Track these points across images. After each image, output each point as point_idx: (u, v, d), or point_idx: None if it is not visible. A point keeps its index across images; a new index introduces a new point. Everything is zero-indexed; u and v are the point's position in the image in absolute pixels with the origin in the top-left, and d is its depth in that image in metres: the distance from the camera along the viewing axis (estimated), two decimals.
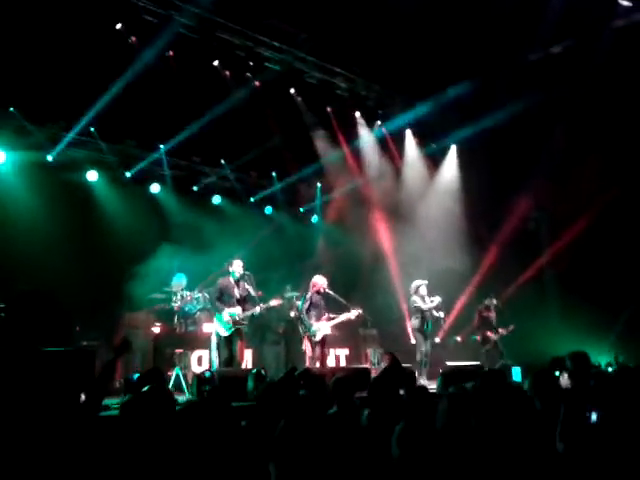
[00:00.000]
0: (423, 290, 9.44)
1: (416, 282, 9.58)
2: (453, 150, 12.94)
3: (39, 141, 9.51)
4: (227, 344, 7.82)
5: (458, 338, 11.21)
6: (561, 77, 10.19)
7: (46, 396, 4.26)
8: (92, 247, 9.75)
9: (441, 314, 9.50)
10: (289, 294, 10.66)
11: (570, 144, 10.79)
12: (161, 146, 10.72)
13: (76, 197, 9.85)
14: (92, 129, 9.85)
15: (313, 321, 8.38)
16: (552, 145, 10.94)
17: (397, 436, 2.57)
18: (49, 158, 9.65)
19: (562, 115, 10.72)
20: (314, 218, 13.44)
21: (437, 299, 9.43)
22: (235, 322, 7.81)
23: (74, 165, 10.04)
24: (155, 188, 11.04)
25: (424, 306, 9.31)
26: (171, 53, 9.73)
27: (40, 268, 8.51)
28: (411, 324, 9.61)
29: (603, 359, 9.10)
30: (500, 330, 10.44)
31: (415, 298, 9.44)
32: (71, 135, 9.68)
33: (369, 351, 10.34)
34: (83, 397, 3.95)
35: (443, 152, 12.99)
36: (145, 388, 3.00)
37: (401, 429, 2.58)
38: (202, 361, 9.10)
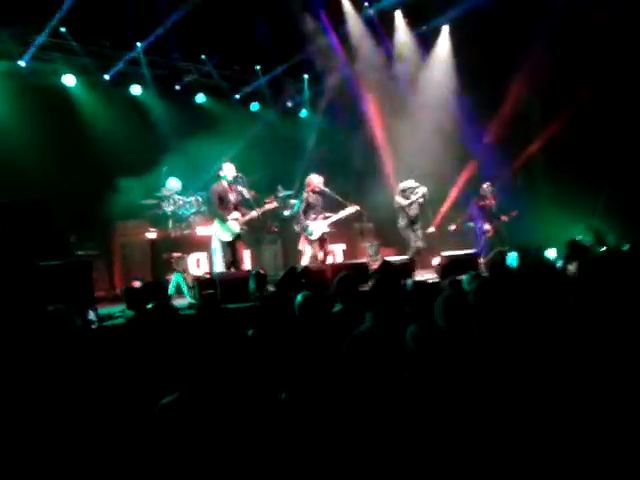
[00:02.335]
0: (410, 191, 9.47)
1: (402, 184, 9.61)
2: (445, 31, 12.32)
3: (8, 47, 8.97)
4: (228, 248, 7.81)
5: (453, 227, 11.24)
6: None
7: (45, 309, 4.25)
8: (77, 155, 9.49)
9: (420, 200, 9.55)
10: (282, 193, 10.55)
11: (566, 23, 10.30)
12: (138, 44, 10.14)
13: (55, 103, 9.45)
14: (63, 29, 9.25)
15: (310, 221, 8.34)
16: (547, 24, 10.44)
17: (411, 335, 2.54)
18: (22, 64, 9.14)
19: None
20: (303, 112, 13.02)
21: (421, 190, 9.47)
22: (237, 227, 7.77)
23: (49, 70, 9.55)
24: (136, 90, 10.58)
25: (405, 202, 9.39)
26: None
27: (28, 180, 8.32)
28: (398, 224, 9.64)
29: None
30: (502, 217, 10.40)
31: (397, 198, 9.50)
32: (42, 38, 9.11)
33: (366, 245, 10.39)
34: (91, 313, 3.97)
35: (435, 34, 12.36)
36: (149, 305, 2.98)
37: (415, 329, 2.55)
38: (200, 263, 9.15)
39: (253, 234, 9.70)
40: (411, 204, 9.47)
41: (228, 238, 7.77)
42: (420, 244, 9.44)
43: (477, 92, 11.45)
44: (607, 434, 2.28)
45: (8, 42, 8.92)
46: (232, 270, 7.66)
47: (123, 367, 2.76)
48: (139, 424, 2.24)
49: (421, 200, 9.52)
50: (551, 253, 8.24)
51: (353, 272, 5.35)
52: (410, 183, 9.61)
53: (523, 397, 2.47)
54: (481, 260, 8.61)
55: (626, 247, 6.28)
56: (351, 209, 8.56)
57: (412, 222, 9.50)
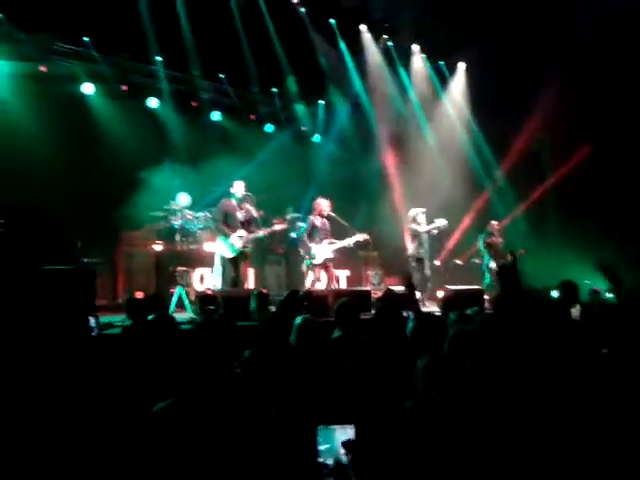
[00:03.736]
0: (421, 218, 9.36)
1: (413, 211, 9.51)
2: (461, 67, 12.46)
3: (31, 51, 9.13)
4: (232, 266, 7.77)
5: (458, 261, 11.22)
6: None
7: (47, 316, 4.25)
8: (90, 163, 9.58)
9: (435, 231, 9.47)
10: (291, 215, 10.57)
11: (582, 64, 10.41)
12: (158, 58, 10.30)
13: (72, 111, 9.55)
14: (86, 39, 9.43)
15: (314, 244, 8.32)
16: (562, 63, 10.54)
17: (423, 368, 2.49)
18: (42, 69, 9.29)
19: (575, 35, 10.27)
20: (316, 137, 13.12)
21: (441, 221, 9.38)
22: (240, 245, 7.75)
23: (68, 77, 9.69)
24: (153, 102, 10.70)
25: (420, 229, 9.28)
26: None
27: (37, 184, 8.40)
28: (408, 250, 9.57)
29: (603, 284, 9.12)
30: (509, 256, 10.32)
31: (412, 226, 9.39)
32: (64, 45, 9.30)
33: (370, 273, 10.36)
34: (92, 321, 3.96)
35: (451, 70, 12.50)
36: (149, 317, 2.97)
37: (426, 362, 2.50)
38: (204, 279, 9.15)
39: (258, 254, 9.70)
40: (427, 232, 9.37)
41: (230, 255, 7.74)
42: (427, 273, 9.35)
43: (490, 128, 11.54)
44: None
45: (32, 46, 9.08)
46: (234, 288, 7.63)
47: (119, 375, 2.75)
48: (129, 431, 2.23)
49: (436, 231, 9.46)
50: (556, 294, 8.19)
51: (355, 299, 5.32)
52: (419, 210, 9.53)
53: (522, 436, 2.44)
54: (486, 296, 8.55)
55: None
56: (359, 237, 8.50)
57: (422, 251, 9.38)
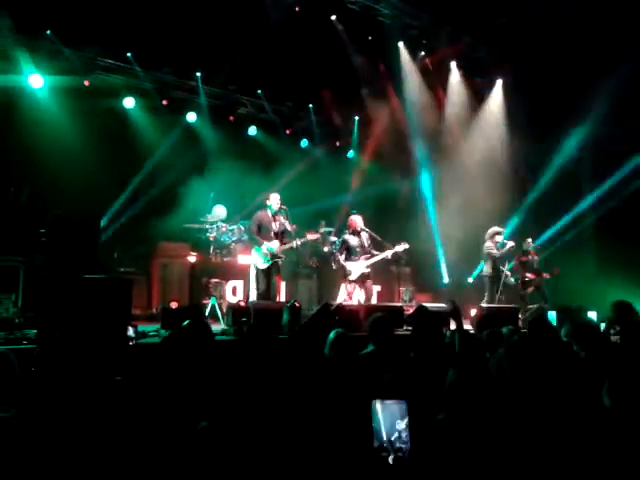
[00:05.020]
0: (499, 238, 9.28)
1: (492, 229, 9.41)
2: (499, 85, 12.38)
3: (75, 66, 9.43)
4: (264, 277, 7.80)
5: None
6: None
7: (87, 322, 4.34)
8: (128, 175, 9.80)
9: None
10: (324, 229, 10.60)
11: (622, 83, 10.23)
12: (198, 74, 10.52)
13: (113, 123, 9.80)
14: (129, 55, 9.70)
15: (349, 262, 8.26)
16: (602, 82, 10.38)
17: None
18: (86, 83, 9.57)
19: (615, 54, 10.12)
20: (350, 153, 13.18)
21: (510, 243, 9.29)
22: (273, 256, 7.77)
23: (111, 91, 9.97)
24: (191, 117, 10.92)
25: (494, 252, 9.18)
26: None
27: (77, 194, 8.59)
28: (484, 272, 9.43)
29: None
30: (544, 274, 10.15)
31: (489, 244, 9.28)
32: (108, 60, 9.58)
33: (402, 289, 10.29)
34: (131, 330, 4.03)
35: (488, 87, 12.42)
36: (185, 323, 3.00)
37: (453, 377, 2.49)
38: (237, 291, 9.22)
39: (290, 267, 9.74)
40: (501, 256, 9.28)
41: (263, 266, 7.76)
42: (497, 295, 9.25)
43: (527, 145, 11.42)
44: None
45: (76, 61, 9.37)
46: (266, 300, 7.65)
47: (157, 384, 2.79)
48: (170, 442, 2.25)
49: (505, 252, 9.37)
50: (592, 315, 8.02)
51: (387, 315, 5.28)
52: (497, 230, 9.45)
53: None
54: (520, 315, 8.43)
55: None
56: (399, 248, 8.39)
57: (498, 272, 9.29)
